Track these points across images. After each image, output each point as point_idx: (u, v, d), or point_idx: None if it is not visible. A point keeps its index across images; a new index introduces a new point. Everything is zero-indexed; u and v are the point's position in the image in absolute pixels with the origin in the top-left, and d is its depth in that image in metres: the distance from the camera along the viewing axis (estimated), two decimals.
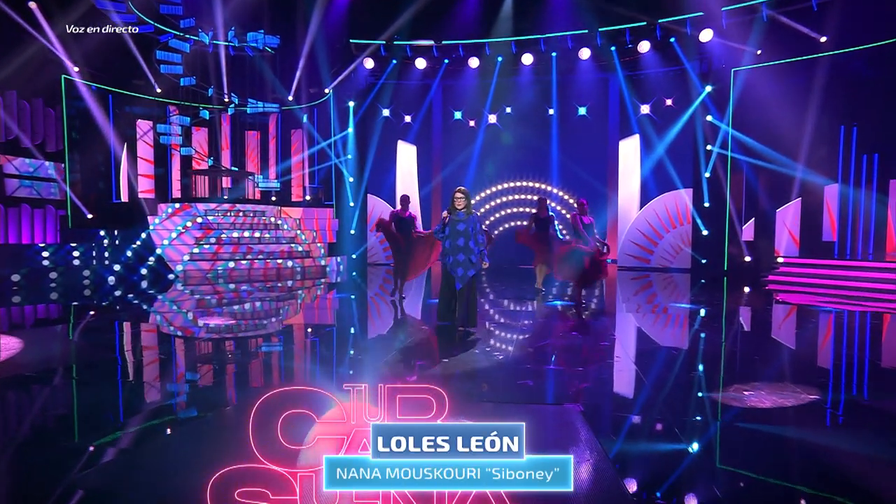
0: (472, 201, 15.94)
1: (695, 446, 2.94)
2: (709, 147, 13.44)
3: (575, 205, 15.10)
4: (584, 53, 14.31)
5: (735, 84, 12.79)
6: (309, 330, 6.69)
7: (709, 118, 13.45)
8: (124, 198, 13.62)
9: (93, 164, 13.27)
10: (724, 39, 12.71)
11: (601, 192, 14.75)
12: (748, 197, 13.04)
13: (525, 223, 12.51)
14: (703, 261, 13.73)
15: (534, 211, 8.67)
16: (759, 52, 12.24)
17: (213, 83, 13.73)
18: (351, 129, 15.84)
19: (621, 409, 3.51)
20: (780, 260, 12.02)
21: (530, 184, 15.80)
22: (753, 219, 13.05)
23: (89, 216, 12.74)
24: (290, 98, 14.88)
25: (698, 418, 3.32)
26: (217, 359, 5.18)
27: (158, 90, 13.65)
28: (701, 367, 4.65)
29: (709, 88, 13.41)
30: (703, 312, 7.76)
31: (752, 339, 6.29)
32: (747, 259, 12.98)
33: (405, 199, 7.87)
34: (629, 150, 14.90)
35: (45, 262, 11.20)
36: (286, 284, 10.92)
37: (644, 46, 13.76)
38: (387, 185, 16.17)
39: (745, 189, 13.06)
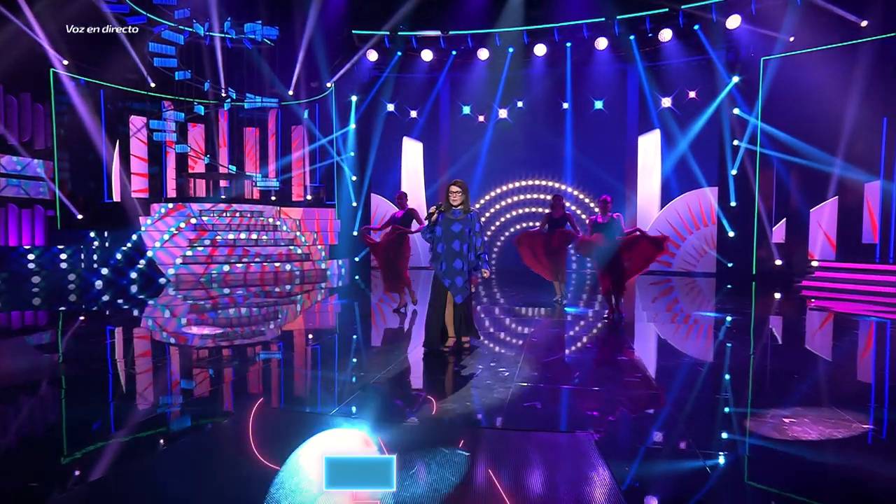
0: (481, 201, 15.76)
1: (725, 485, 2.67)
2: (736, 142, 13.15)
3: (592, 205, 14.86)
4: (601, 43, 14.06)
5: (765, 74, 12.50)
6: (309, 336, 6.50)
7: (736, 111, 13.16)
8: (116, 197, 13.59)
9: (83, 162, 13.24)
10: (754, 26, 12.42)
11: (619, 190, 14.47)
12: (779, 196, 12.74)
13: (537, 224, 12.25)
14: (730, 264, 13.43)
15: (547, 211, 8.42)
16: (791, 38, 11.94)
17: (210, 77, 13.65)
18: (353, 125, 15.71)
19: (641, 439, 3.25)
20: (814, 264, 11.66)
21: (543, 182, 15.56)
22: (785, 219, 12.74)
23: (79, 217, 12.71)
24: (290, 93, 14.79)
25: (729, 451, 3.04)
26: (202, 368, 5.01)
27: (152, 85, 13.62)
28: (731, 388, 4.39)
29: (736, 79, 13.11)
30: (731, 321, 7.47)
31: (788, 353, 5.98)
32: (778, 263, 12.64)
33: (402, 197, 7.67)
34: (649, 146, 14.63)
35: (31, 266, 11.17)
36: (284, 289, 10.76)
37: (666, 35, 13.48)
38: (391, 183, 15.99)
39: (775, 187, 12.77)
